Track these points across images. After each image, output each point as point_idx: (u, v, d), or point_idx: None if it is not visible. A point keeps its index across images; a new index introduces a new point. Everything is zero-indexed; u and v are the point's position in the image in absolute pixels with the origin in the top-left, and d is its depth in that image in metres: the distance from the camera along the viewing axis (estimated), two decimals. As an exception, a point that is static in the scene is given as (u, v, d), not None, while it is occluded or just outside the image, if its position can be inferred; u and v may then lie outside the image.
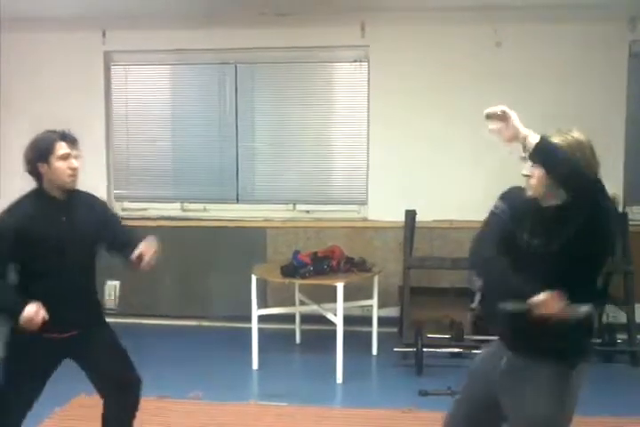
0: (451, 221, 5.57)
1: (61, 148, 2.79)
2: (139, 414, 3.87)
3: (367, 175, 5.74)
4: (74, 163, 2.81)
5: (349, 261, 4.88)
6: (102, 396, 3.11)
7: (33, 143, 2.87)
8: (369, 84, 5.66)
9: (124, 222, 5.92)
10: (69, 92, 5.88)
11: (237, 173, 5.77)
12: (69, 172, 2.79)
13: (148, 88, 6.01)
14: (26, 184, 2.92)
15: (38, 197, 2.85)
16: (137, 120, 6.02)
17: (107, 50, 5.88)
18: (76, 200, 2.93)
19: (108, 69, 5.96)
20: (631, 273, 4.88)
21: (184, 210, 6.03)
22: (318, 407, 3.97)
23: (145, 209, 6.06)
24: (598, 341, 5.01)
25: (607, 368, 4.80)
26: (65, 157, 2.79)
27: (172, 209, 6.03)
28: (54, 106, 5.90)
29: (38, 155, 2.80)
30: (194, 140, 5.96)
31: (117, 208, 6.08)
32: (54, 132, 2.87)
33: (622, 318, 4.99)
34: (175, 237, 5.84)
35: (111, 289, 5.93)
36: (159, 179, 6.07)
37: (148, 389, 4.21)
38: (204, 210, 5.95)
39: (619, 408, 4.01)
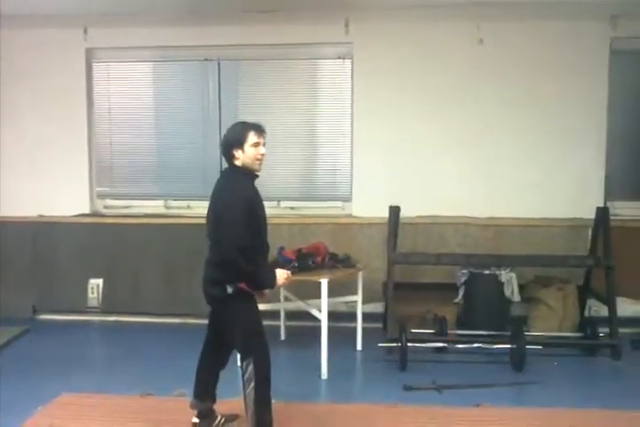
0: (434, 217, 5.59)
1: (253, 136, 3.33)
2: (122, 412, 3.88)
3: (351, 172, 5.75)
4: (263, 149, 3.37)
5: (334, 257, 4.89)
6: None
7: (231, 131, 3.40)
8: (353, 80, 5.67)
9: (107, 220, 5.97)
10: (51, 89, 5.85)
11: (221, 170, 5.71)
12: (259, 156, 3.34)
13: (130, 85, 5.97)
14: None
15: (247, 176, 3.36)
16: (119, 117, 5.98)
17: (88, 47, 5.84)
18: None
19: (89, 66, 5.92)
20: (612, 267, 4.92)
21: (167, 207, 6.01)
22: (303, 403, 3.97)
23: (128, 207, 6.04)
24: (580, 334, 5.07)
25: (589, 362, 4.86)
26: (256, 144, 3.33)
27: (156, 206, 6.01)
28: (36, 102, 5.87)
29: (235, 141, 3.33)
30: (177, 137, 5.94)
31: (99, 206, 6.05)
32: (248, 123, 3.41)
33: (604, 311, 5.03)
34: (159, 234, 5.84)
35: (94, 287, 5.89)
36: (142, 176, 6.04)
37: (132, 386, 4.23)
38: (188, 207, 5.94)
39: (601, 401, 4.04)
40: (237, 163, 3.35)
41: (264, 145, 3.38)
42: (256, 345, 3.29)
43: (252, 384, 3.22)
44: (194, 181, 5.92)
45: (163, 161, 5.99)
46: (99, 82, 5.96)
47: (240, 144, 3.32)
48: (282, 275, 3.43)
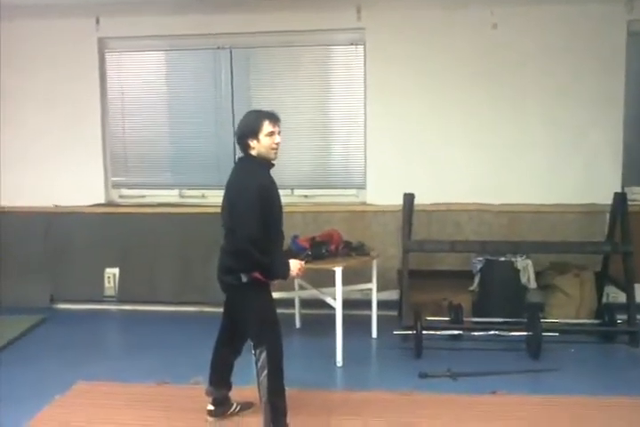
0: (449, 204, 5.56)
1: (268, 125, 3.30)
2: (138, 400, 3.91)
3: (365, 159, 5.72)
4: (278, 138, 3.34)
5: (348, 245, 4.87)
6: None
7: (245, 120, 3.37)
8: (365, 67, 5.62)
9: (122, 210, 5.99)
10: (64, 80, 5.86)
11: (235, 159, 5.70)
12: (275, 145, 3.32)
13: (143, 74, 5.97)
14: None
15: (263, 165, 3.34)
16: (133, 107, 5.98)
17: (100, 36, 5.84)
18: None
19: (102, 56, 5.91)
20: (630, 253, 4.86)
21: (182, 196, 6.02)
22: (319, 391, 3.98)
23: (143, 196, 6.05)
24: (598, 321, 5.03)
25: (607, 349, 4.82)
26: (272, 134, 3.30)
27: (171, 196, 6.02)
28: (50, 93, 5.88)
29: (250, 130, 3.30)
30: (190, 126, 5.94)
31: (115, 195, 6.07)
32: (263, 111, 3.38)
33: (622, 298, 4.98)
34: (174, 223, 5.85)
35: (110, 276, 5.93)
36: (156, 165, 6.05)
37: (149, 375, 4.26)
38: (203, 196, 5.94)
39: (619, 388, 4.01)
40: (253, 152, 3.32)
41: (279, 133, 3.35)
42: (269, 334, 3.29)
43: (265, 372, 3.23)
44: (208, 170, 5.91)
45: (177, 150, 5.99)
46: (111, 71, 5.96)
47: (255, 134, 3.29)
48: (295, 266, 3.41)
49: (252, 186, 3.22)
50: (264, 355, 3.24)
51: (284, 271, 3.37)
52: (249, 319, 3.34)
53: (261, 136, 3.28)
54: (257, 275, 3.25)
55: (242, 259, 3.24)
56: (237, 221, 3.23)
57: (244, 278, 3.26)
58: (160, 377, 4.19)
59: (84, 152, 5.94)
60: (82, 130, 5.92)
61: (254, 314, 3.32)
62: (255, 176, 3.27)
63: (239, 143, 3.36)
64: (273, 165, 3.39)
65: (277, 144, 3.33)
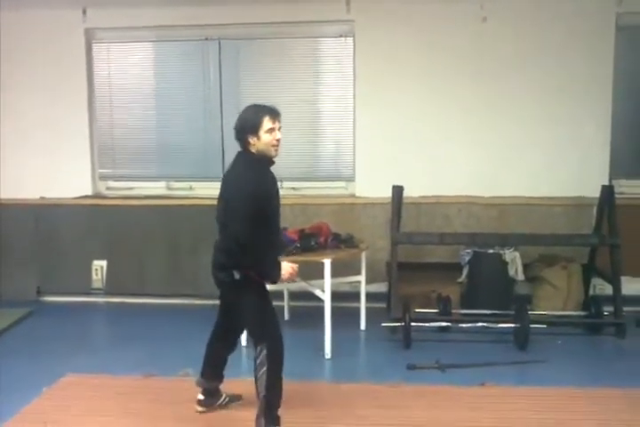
0: (438, 197, 5.56)
1: (268, 122, 3.20)
2: (126, 392, 3.91)
3: (354, 152, 5.71)
4: (279, 135, 3.24)
5: (337, 237, 4.87)
6: None
7: (245, 115, 3.27)
8: (354, 59, 5.61)
9: (110, 202, 5.96)
10: (51, 70, 5.80)
11: (223, 151, 5.70)
12: (275, 142, 3.22)
13: (130, 66, 5.91)
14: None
15: (262, 162, 3.26)
16: (120, 98, 5.93)
17: (87, 27, 5.78)
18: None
19: (89, 47, 5.86)
20: (617, 246, 4.89)
21: (170, 189, 5.99)
22: (307, 382, 3.98)
23: (130, 188, 6.01)
24: (585, 313, 5.06)
25: (594, 340, 4.86)
26: (272, 130, 3.20)
27: (158, 188, 5.99)
28: (36, 84, 5.82)
29: (249, 126, 3.20)
30: (178, 117, 5.89)
31: (102, 187, 6.04)
32: (263, 106, 3.27)
33: (609, 290, 5.01)
34: (162, 216, 5.83)
35: (98, 269, 5.90)
36: (144, 158, 6.01)
37: (137, 367, 4.25)
38: (190, 189, 5.91)
39: (605, 380, 4.04)
40: (252, 149, 3.23)
41: (279, 129, 3.25)
42: (269, 332, 3.26)
43: (265, 369, 3.20)
44: (196, 162, 5.88)
45: (165, 142, 5.94)
46: (99, 62, 5.90)
47: (254, 130, 3.18)
48: (287, 269, 3.30)
49: (248, 186, 3.14)
50: (264, 352, 3.20)
51: (275, 274, 3.26)
52: (244, 317, 3.32)
53: (261, 133, 3.19)
54: (249, 273, 3.21)
55: (233, 256, 3.19)
56: (230, 217, 3.17)
57: (237, 275, 3.22)
58: (148, 369, 4.18)
59: (71, 144, 5.89)
60: (68, 121, 5.87)
61: (248, 312, 3.28)
62: (253, 175, 3.18)
63: (238, 139, 3.27)
64: (273, 162, 3.29)
65: (278, 141, 3.23)
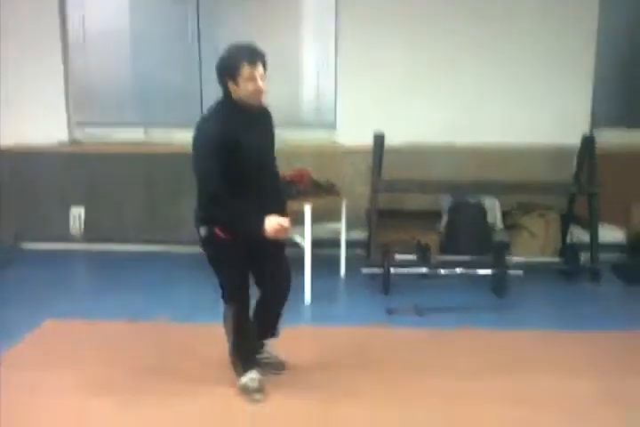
0: (419, 144, 5.54)
1: (247, 70, 2.88)
2: (108, 337, 3.92)
3: (335, 99, 5.63)
4: (259, 83, 2.92)
5: (317, 184, 4.85)
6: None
7: (223, 60, 2.97)
8: (337, 6, 5.48)
9: (87, 149, 5.86)
10: (21, 13, 5.58)
11: (201, 98, 5.60)
12: (255, 92, 2.92)
13: (105, 6, 5.73)
14: None
15: (233, 107, 2.98)
16: (95, 42, 5.75)
17: (60, -34, 5.57)
18: (261, 112, 3.12)
19: (62, -13, 5.65)
20: (595, 194, 4.93)
21: (148, 135, 5.89)
22: (288, 327, 4.01)
23: (108, 135, 5.90)
24: (562, 260, 5.14)
25: (570, 286, 4.94)
26: (251, 79, 2.89)
27: (136, 134, 5.88)
28: (7, 30, 5.62)
29: (227, 73, 2.92)
30: (155, 63, 5.75)
31: (79, 134, 5.92)
32: (243, 49, 2.98)
33: (587, 239, 5.08)
34: (139, 162, 5.74)
35: (76, 216, 5.84)
36: (121, 104, 5.87)
37: (118, 312, 4.27)
38: (169, 135, 5.82)
39: (580, 323, 4.15)
40: (233, 96, 2.96)
41: (263, 77, 2.92)
42: (231, 297, 3.15)
43: (229, 329, 3.21)
44: (174, 108, 5.76)
45: (142, 88, 5.80)
46: (72, 7, 5.69)
47: (233, 77, 2.89)
48: (272, 224, 2.90)
49: (209, 131, 2.92)
50: (229, 313, 3.18)
51: (253, 228, 2.91)
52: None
53: (240, 80, 2.88)
54: (217, 230, 2.99)
55: (200, 209, 3.01)
56: (193, 166, 2.95)
57: (203, 232, 3.02)
58: (129, 315, 4.20)
59: (45, 90, 5.70)
60: (42, 68, 5.67)
61: (216, 271, 3.13)
62: (213, 121, 2.96)
63: (220, 83, 2.98)
64: (254, 106, 3.00)
65: (260, 89, 2.92)
